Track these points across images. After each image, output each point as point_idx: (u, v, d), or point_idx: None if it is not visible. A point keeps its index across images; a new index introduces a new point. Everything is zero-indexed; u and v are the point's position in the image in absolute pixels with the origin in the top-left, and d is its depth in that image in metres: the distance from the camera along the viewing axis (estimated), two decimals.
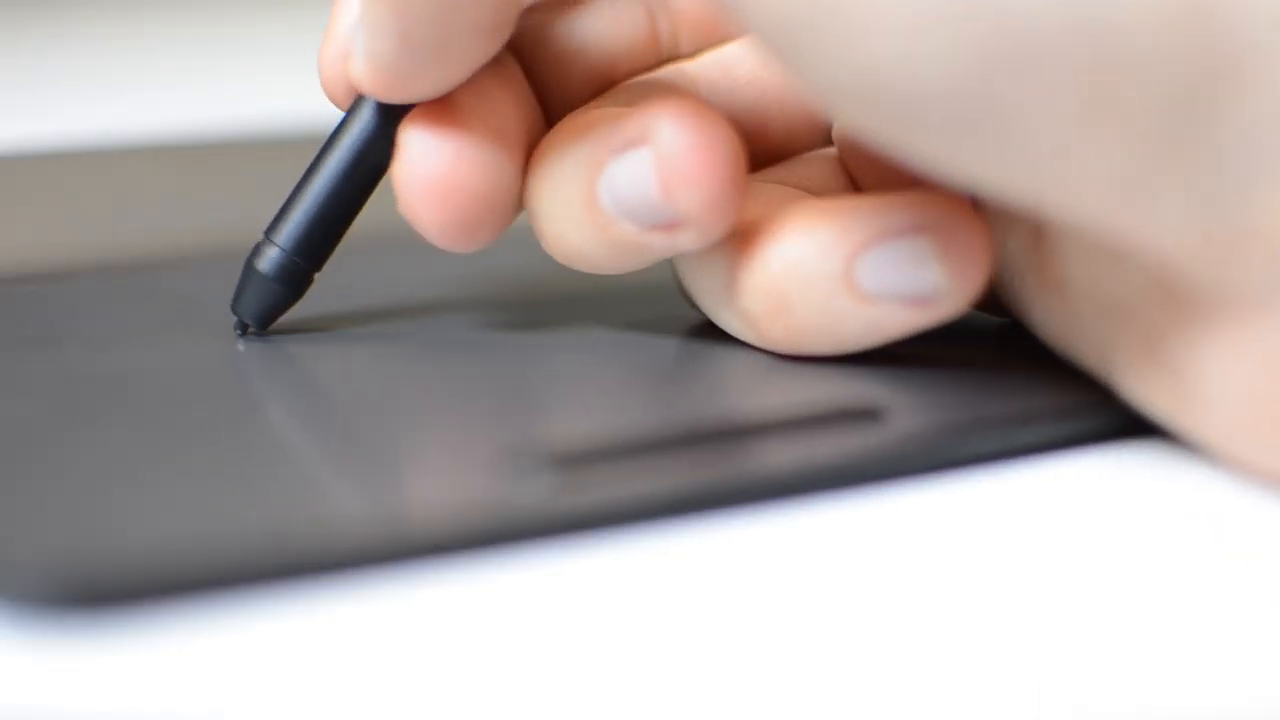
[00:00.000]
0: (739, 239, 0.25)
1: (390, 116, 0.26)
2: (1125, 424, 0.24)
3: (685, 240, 0.24)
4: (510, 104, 0.26)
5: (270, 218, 0.27)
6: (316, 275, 0.27)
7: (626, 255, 0.25)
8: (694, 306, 0.27)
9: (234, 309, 0.27)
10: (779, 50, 0.21)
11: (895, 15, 0.20)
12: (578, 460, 0.22)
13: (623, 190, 0.24)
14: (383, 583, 0.20)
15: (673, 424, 0.23)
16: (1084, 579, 0.21)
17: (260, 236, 0.27)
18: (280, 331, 0.27)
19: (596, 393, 0.25)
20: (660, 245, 0.25)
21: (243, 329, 0.27)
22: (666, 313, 0.28)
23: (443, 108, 0.25)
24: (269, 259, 0.27)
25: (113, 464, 0.22)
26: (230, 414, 0.24)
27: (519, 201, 0.26)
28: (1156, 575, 0.21)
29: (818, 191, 0.27)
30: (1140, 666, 0.19)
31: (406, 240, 0.26)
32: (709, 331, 0.27)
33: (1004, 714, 0.18)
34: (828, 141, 0.28)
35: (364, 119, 0.26)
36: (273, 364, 0.26)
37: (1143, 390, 0.23)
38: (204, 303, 0.29)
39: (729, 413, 0.24)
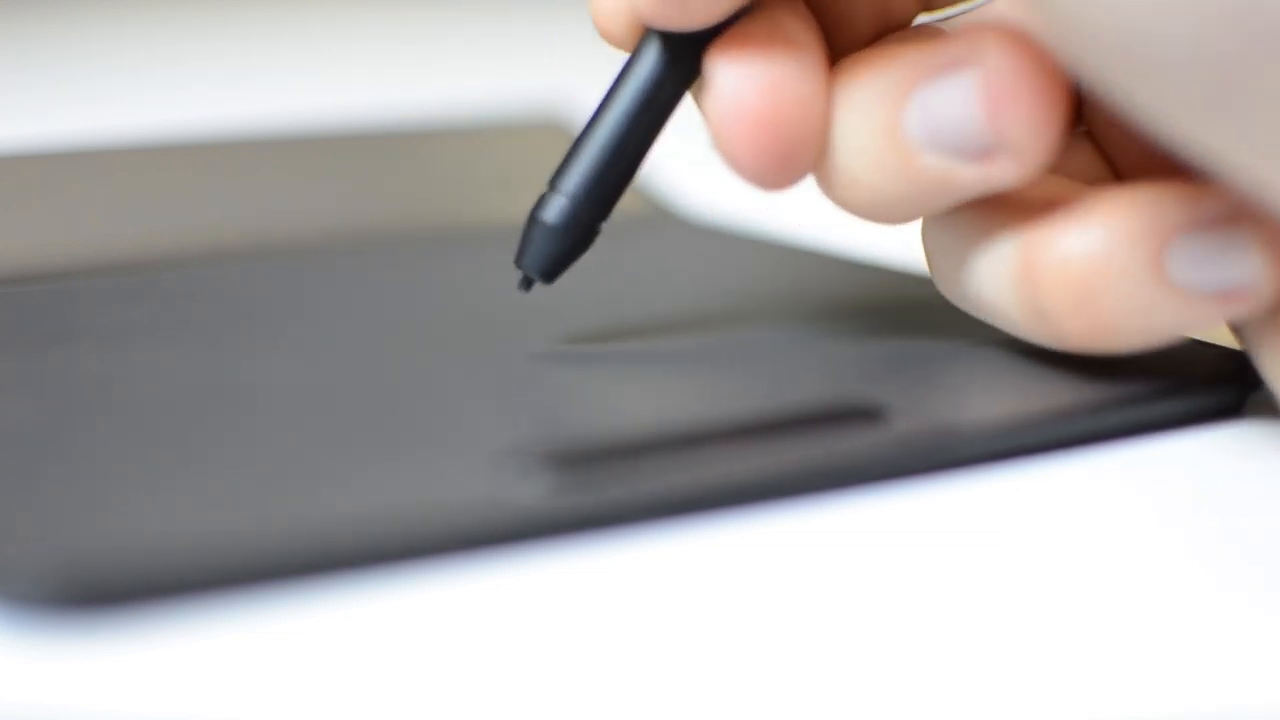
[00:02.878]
0: (1027, 230, 0.24)
1: (679, 52, 0.25)
2: (1125, 425, 0.24)
3: (1001, 171, 0.23)
4: (809, 32, 0.24)
5: (269, 218, 0.27)
6: (601, 225, 0.26)
7: (924, 193, 0.24)
8: (956, 300, 0.26)
9: (518, 263, 0.26)
10: None
11: None
12: (578, 460, 0.22)
13: (938, 113, 0.23)
14: (382, 583, 0.20)
15: (673, 423, 0.23)
16: (1083, 580, 0.21)
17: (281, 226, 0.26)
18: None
19: (596, 393, 0.25)
20: (970, 178, 0.23)
21: (527, 284, 0.26)
22: (667, 313, 0.28)
23: (745, 38, 0.24)
24: (556, 209, 0.25)
25: (112, 464, 0.22)
26: (229, 414, 0.24)
27: (826, 134, 0.24)
28: (1155, 575, 0.21)
29: (1082, 179, 0.26)
30: (1138, 668, 0.19)
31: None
32: (709, 332, 0.27)
33: (1002, 714, 0.18)
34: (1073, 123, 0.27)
35: (650, 58, 0.25)
36: (272, 363, 0.26)
37: None
38: (204, 303, 0.29)
39: (729, 413, 0.24)
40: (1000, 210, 0.24)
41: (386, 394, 0.25)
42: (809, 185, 0.26)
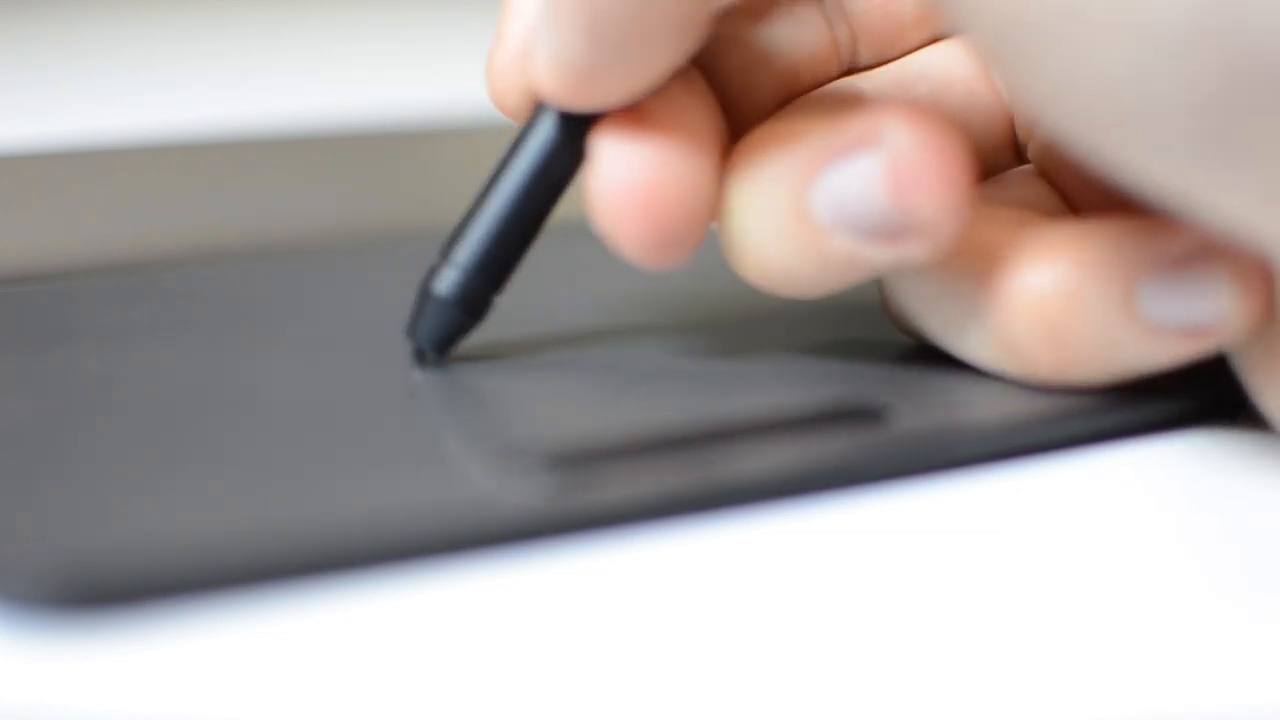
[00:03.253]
0: (990, 265, 0.23)
1: (574, 129, 0.24)
2: (1124, 425, 0.24)
3: (911, 251, 0.23)
4: (703, 111, 0.24)
5: (269, 218, 0.27)
6: (495, 298, 0.25)
7: (837, 271, 0.23)
8: (912, 334, 0.26)
9: (410, 335, 0.25)
10: (1001, 53, 0.20)
11: (1141, 25, 0.19)
12: (578, 460, 0.22)
13: (843, 197, 0.23)
14: (382, 583, 0.20)
15: (673, 424, 0.23)
16: (1083, 580, 0.21)
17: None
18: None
19: (595, 393, 0.25)
20: (881, 258, 0.23)
21: (420, 357, 0.25)
22: (665, 313, 0.28)
23: (635, 116, 0.24)
24: (448, 281, 0.25)
25: (112, 464, 0.22)
26: (229, 414, 0.24)
27: (713, 215, 0.24)
28: (1154, 576, 0.21)
29: (1038, 211, 0.25)
30: (1136, 668, 0.19)
31: None
32: (709, 332, 0.27)
33: (1002, 714, 0.18)
34: (1012, 161, 0.27)
35: (545, 131, 0.24)
36: (272, 363, 0.26)
37: None
38: (204, 303, 0.29)
39: (729, 412, 0.24)
40: (961, 246, 0.24)
41: (386, 394, 0.25)
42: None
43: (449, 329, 0.25)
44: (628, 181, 0.23)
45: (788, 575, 0.21)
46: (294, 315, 0.29)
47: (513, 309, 0.26)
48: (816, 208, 0.23)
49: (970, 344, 0.24)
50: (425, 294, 0.25)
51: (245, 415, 0.24)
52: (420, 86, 0.57)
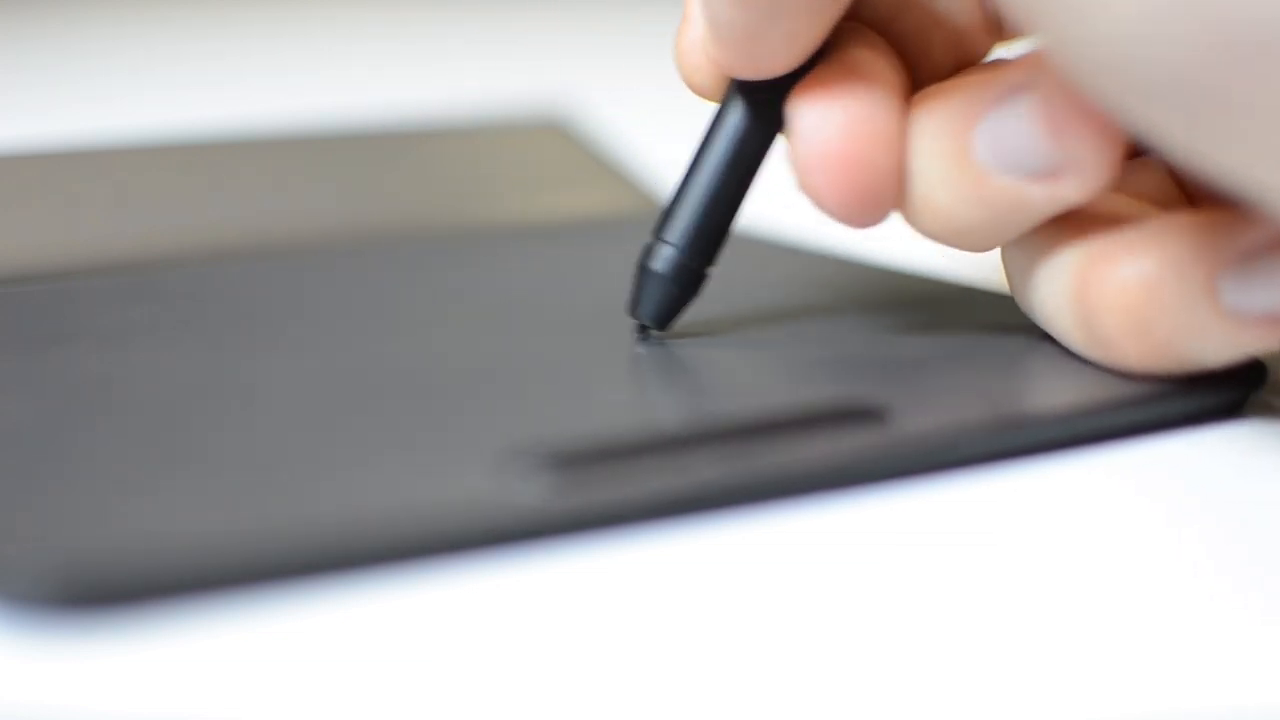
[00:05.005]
0: (1087, 255, 0.24)
1: (764, 100, 0.26)
2: (1125, 425, 0.24)
3: (1067, 189, 0.24)
4: (890, 70, 0.25)
5: (269, 218, 0.27)
6: (709, 271, 0.27)
7: (999, 213, 0.24)
8: (1031, 317, 0.26)
9: (632, 313, 0.27)
10: (1027, 12, 0.21)
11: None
12: (578, 460, 0.22)
13: (1003, 138, 0.24)
14: (382, 583, 0.20)
15: (673, 424, 0.23)
16: (1084, 580, 0.21)
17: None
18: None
19: (594, 393, 0.25)
20: (1039, 198, 0.24)
21: (642, 331, 0.27)
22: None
23: (824, 79, 0.25)
24: (664, 259, 0.26)
25: (112, 464, 0.22)
26: (229, 414, 0.24)
27: None
28: (1156, 576, 0.21)
29: (1154, 201, 0.26)
30: (1139, 668, 0.19)
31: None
32: (708, 332, 0.27)
33: (1004, 714, 0.18)
34: None
35: (737, 106, 0.26)
36: (272, 363, 0.26)
37: None
38: (204, 303, 0.29)
39: (730, 412, 0.24)
40: (1064, 233, 0.25)
41: (386, 394, 0.25)
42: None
43: (668, 303, 0.26)
44: (827, 142, 0.24)
45: (788, 575, 0.21)
46: (294, 315, 0.29)
47: (512, 309, 0.26)
48: (978, 150, 0.24)
49: (1069, 331, 0.25)
50: (644, 272, 0.26)
51: (245, 415, 0.24)
52: (420, 86, 0.57)
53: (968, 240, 0.25)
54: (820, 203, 0.25)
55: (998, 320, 0.27)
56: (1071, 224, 0.25)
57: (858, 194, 0.24)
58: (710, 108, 0.27)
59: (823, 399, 0.24)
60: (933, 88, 0.25)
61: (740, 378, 0.26)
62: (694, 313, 0.27)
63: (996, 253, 0.26)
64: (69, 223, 0.34)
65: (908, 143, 0.25)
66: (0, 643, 0.18)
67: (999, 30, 0.27)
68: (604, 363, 0.26)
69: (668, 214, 0.26)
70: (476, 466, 0.21)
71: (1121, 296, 0.24)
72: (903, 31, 0.26)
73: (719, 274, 0.27)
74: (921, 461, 0.23)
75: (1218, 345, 0.24)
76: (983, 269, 0.32)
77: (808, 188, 0.25)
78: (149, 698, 0.17)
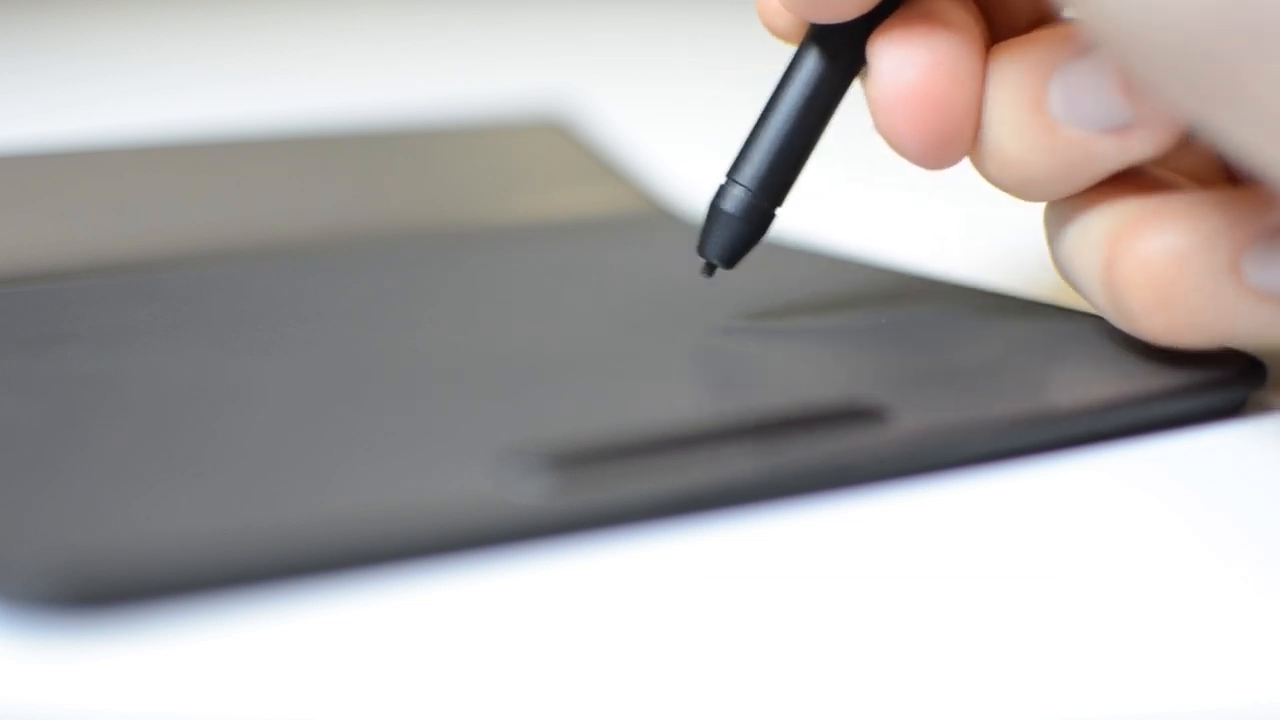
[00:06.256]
0: (1119, 227, 0.25)
1: (840, 44, 0.26)
2: (1126, 425, 0.24)
3: (1136, 144, 0.25)
4: (968, 16, 0.26)
5: (269, 218, 0.27)
6: (777, 211, 0.27)
7: (1067, 165, 0.25)
8: (1068, 282, 0.27)
9: (701, 251, 0.27)
10: None
11: None
12: (576, 460, 0.22)
13: (1077, 91, 0.25)
14: (382, 583, 0.20)
15: (673, 423, 0.23)
16: (1085, 580, 0.21)
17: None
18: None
19: (593, 394, 0.25)
20: (1109, 151, 0.25)
21: (710, 270, 0.27)
22: (666, 313, 0.28)
23: (905, 23, 0.25)
24: (734, 199, 0.27)
25: (112, 464, 0.22)
26: (228, 414, 0.24)
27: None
28: (1157, 575, 0.21)
29: (1197, 179, 0.26)
30: (1143, 667, 0.19)
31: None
32: (709, 332, 0.27)
33: (1006, 714, 0.18)
34: None
35: (814, 50, 0.26)
36: (272, 363, 0.26)
37: None
38: (204, 303, 0.29)
39: (730, 412, 0.24)
40: (1098, 204, 0.25)
41: (385, 394, 0.25)
42: (798, 186, 0.27)
43: (736, 242, 0.27)
44: (908, 82, 0.25)
45: (789, 575, 0.21)
46: (293, 315, 0.29)
47: (512, 310, 0.26)
48: (1053, 102, 0.25)
49: (1101, 301, 0.25)
50: (713, 211, 0.27)
51: (244, 415, 0.24)
52: (420, 86, 0.57)
53: (1033, 190, 0.26)
54: (897, 142, 0.25)
55: (998, 321, 0.27)
56: (1108, 192, 0.25)
57: (934, 134, 0.25)
58: (787, 50, 0.27)
59: (821, 399, 0.24)
60: (1010, 40, 0.26)
61: (740, 378, 0.26)
62: (694, 312, 0.27)
63: (996, 254, 0.27)
64: (68, 223, 0.34)
65: (984, 92, 0.25)
66: (0, 643, 0.18)
67: None
68: (603, 362, 0.26)
69: (741, 154, 0.27)
70: (476, 466, 0.21)
71: (1146, 270, 0.24)
72: None
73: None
74: (922, 461, 0.23)
75: (1242, 322, 0.24)
76: (983, 270, 0.32)
77: (885, 127, 0.25)
78: (149, 697, 0.17)
